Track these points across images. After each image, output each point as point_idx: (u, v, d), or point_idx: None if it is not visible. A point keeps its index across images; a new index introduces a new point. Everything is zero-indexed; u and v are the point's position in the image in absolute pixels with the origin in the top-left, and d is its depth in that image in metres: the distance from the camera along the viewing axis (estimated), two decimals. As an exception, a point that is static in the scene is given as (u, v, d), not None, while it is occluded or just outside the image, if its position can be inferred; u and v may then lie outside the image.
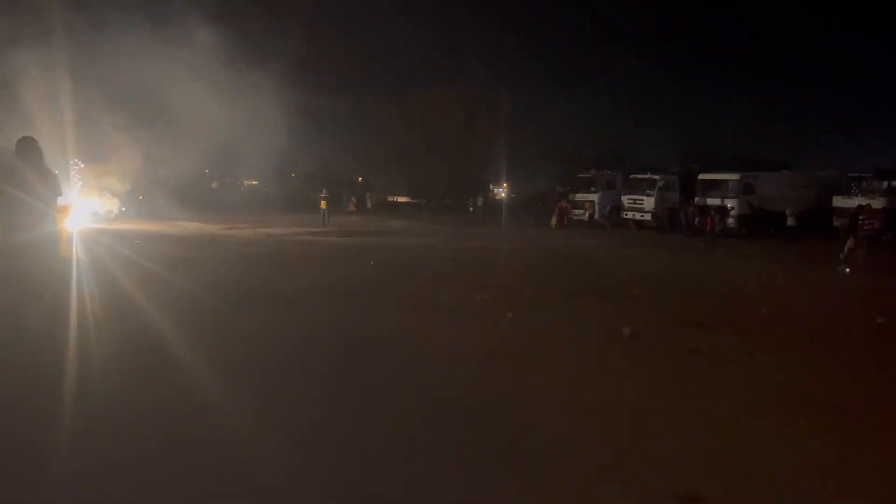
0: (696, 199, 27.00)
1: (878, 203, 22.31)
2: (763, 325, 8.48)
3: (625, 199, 30.93)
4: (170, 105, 26.41)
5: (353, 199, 40.47)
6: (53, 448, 3.93)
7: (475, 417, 4.70)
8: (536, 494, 3.58)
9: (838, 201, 24.99)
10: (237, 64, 27.12)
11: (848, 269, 15.38)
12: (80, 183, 23.33)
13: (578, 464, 3.96)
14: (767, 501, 3.61)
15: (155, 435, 4.16)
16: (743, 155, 41.37)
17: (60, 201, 15.09)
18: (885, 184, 25.18)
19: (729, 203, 26.11)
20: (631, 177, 32.57)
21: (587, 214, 31.05)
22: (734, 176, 27.76)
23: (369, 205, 42.55)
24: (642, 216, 29.92)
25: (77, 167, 25.24)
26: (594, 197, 31.74)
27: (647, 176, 31.80)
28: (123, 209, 28.16)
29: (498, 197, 57.29)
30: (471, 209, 47.60)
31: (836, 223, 23.80)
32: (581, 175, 34.56)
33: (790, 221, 24.75)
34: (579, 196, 32.49)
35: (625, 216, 30.61)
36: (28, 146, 6.11)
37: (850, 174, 27.51)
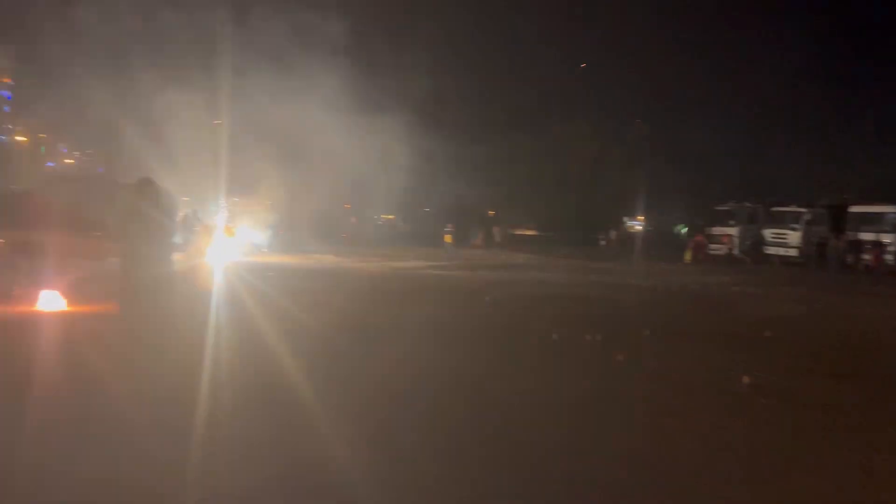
0: (847, 233, 24.81)
1: None
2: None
3: (767, 233, 29.01)
4: (313, 144, 28.15)
5: (481, 233, 40.73)
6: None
7: (570, 471, 4.45)
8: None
9: None
10: (376, 104, 28.52)
11: None
12: (225, 218, 25.12)
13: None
14: None
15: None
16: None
17: (197, 236, 16.19)
18: None
19: (886, 238, 23.76)
20: (773, 209, 30.53)
21: (725, 249, 29.37)
22: (892, 209, 25.28)
23: (497, 238, 42.62)
24: (787, 251, 27.91)
25: (230, 202, 27.41)
26: (733, 231, 30.01)
27: (793, 208, 29.67)
28: (265, 242, 29.97)
29: (633, 230, 55.62)
30: (602, 242, 46.44)
31: None
32: (718, 207, 32.87)
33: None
34: (716, 229, 30.84)
35: (767, 251, 28.67)
36: (147, 186, 6.64)
37: None
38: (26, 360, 6.53)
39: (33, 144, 43.96)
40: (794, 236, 27.95)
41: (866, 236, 24.06)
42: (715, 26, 54.42)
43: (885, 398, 6.62)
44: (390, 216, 58.18)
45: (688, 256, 28.80)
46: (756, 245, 29.41)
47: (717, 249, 29.69)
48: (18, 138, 44.94)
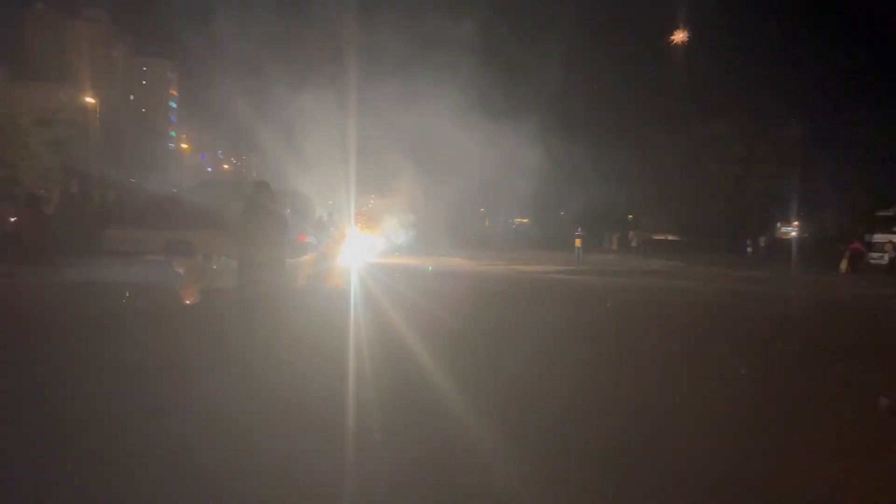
0: None
1: None
2: None
3: (939, 241, 26.10)
4: (448, 148, 28.72)
5: (615, 238, 39.68)
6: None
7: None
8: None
9: None
10: (511, 107, 28.69)
11: None
12: (359, 219, 26.16)
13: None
14: None
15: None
16: None
17: (332, 237, 16.86)
18: None
19: None
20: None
21: (887, 258, 26.69)
22: None
23: (634, 243, 41.31)
24: (962, 262, 24.94)
25: (368, 205, 28.54)
26: (897, 238, 27.27)
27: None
28: (402, 244, 30.82)
29: (786, 236, 51.98)
30: (748, 249, 43.68)
31: None
32: (881, 213, 29.96)
33: None
34: (878, 237, 28.13)
35: (938, 262, 25.76)
36: (263, 188, 7.05)
37: None
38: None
39: (195, 151, 48.19)
40: (972, 245, 24.95)
41: None
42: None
43: None
44: (524, 220, 58.07)
45: (843, 265, 26.46)
46: (925, 254, 26.51)
47: (877, 258, 27.08)
48: (182, 146, 49.45)
